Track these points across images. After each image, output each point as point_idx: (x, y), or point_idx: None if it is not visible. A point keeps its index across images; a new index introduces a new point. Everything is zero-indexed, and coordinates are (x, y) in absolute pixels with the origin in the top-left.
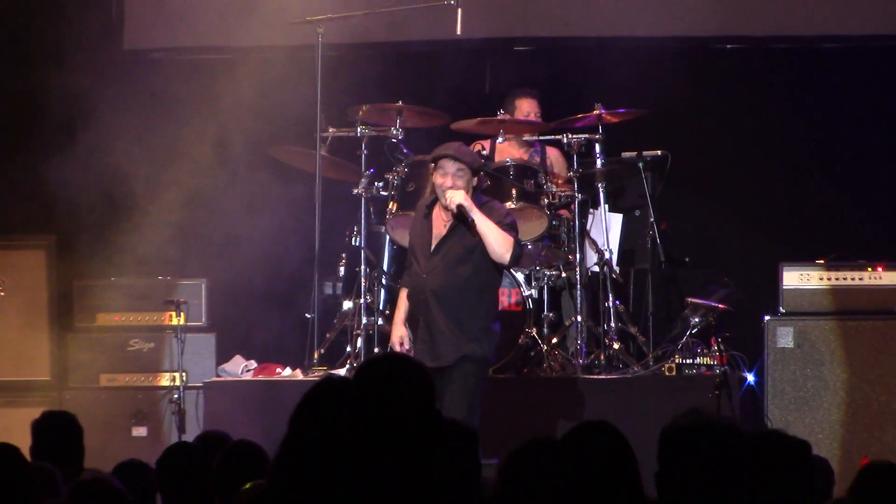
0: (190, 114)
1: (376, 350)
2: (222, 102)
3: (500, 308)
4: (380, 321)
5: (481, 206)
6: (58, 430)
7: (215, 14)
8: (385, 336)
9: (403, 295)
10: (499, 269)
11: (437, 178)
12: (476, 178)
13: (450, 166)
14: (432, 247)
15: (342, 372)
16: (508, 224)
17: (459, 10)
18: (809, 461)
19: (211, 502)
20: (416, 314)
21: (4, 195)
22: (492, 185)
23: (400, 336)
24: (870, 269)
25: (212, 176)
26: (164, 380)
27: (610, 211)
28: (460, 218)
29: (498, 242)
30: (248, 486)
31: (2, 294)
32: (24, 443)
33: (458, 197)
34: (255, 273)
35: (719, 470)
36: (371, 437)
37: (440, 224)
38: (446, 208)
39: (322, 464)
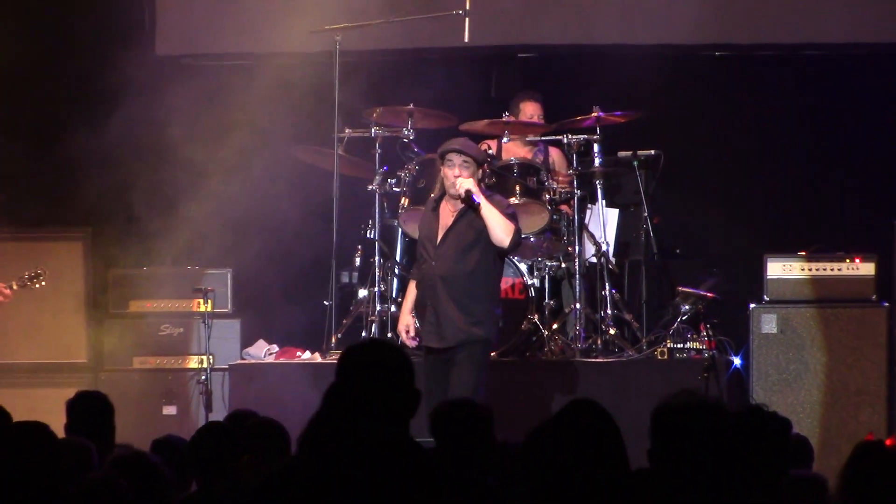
0: (216, 115)
1: (389, 335)
2: (247, 105)
3: (504, 296)
4: (392, 308)
5: (487, 197)
6: (90, 409)
7: (240, 23)
8: (396, 321)
9: (412, 286)
10: (501, 258)
11: (446, 171)
12: (481, 170)
13: (457, 159)
14: (439, 236)
15: None
16: (510, 214)
17: (467, 20)
18: (789, 437)
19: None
20: (423, 299)
21: (44, 191)
22: (498, 181)
23: (406, 325)
24: (848, 260)
25: (237, 174)
26: (193, 362)
27: (607, 206)
28: (467, 202)
29: (500, 227)
30: (244, 458)
31: (43, 283)
32: (62, 420)
33: (466, 183)
34: (276, 263)
35: (707, 446)
36: (358, 415)
37: (447, 216)
38: (455, 198)
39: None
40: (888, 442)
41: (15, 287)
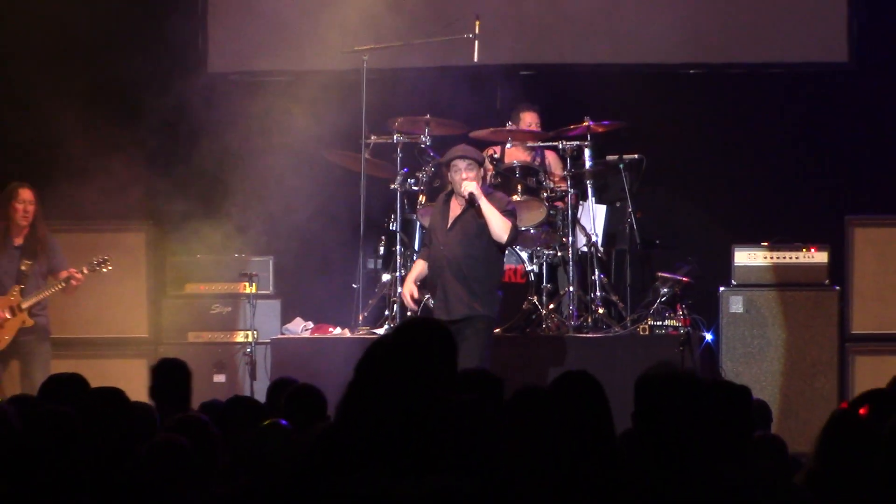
0: (259, 124)
1: (408, 313)
2: (286, 115)
3: (507, 280)
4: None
5: (488, 196)
6: (173, 372)
7: (281, 44)
8: (416, 302)
9: (418, 262)
10: (501, 248)
11: (453, 175)
12: (483, 169)
13: (461, 163)
14: (448, 225)
15: (381, 331)
16: (509, 210)
17: (476, 43)
18: (750, 402)
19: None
20: (433, 279)
21: (111, 189)
22: (502, 181)
23: (409, 290)
24: (804, 250)
25: (278, 174)
26: (239, 337)
27: (596, 203)
28: (471, 202)
29: (498, 225)
30: (266, 422)
31: (109, 267)
32: (127, 386)
33: (470, 186)
34: (312, 251)
35: (683, 410)
36: (408, 385)
37: (456, 209)
38: (461, 196)
39: (383, 404)
40: (862, 411)
41: (86, 271)
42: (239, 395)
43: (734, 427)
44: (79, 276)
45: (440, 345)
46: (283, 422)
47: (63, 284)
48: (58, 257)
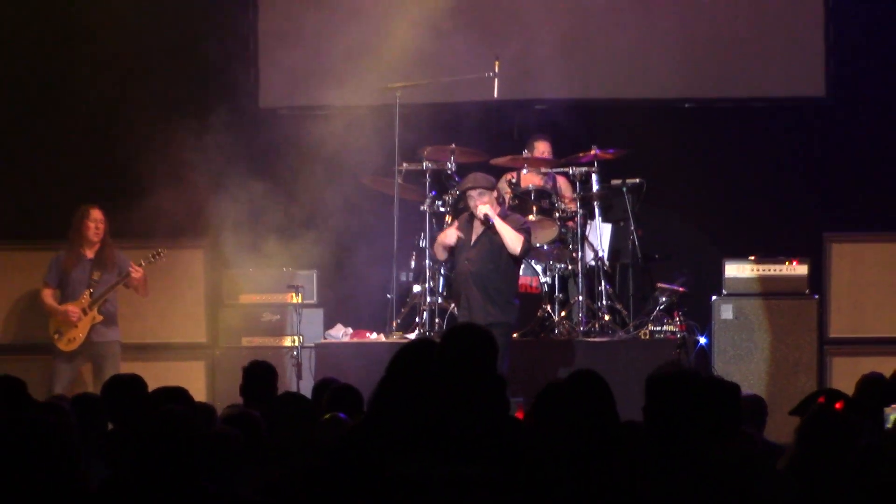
0: (305, 153)
1: (437, 321)
2: (329, 145)
3: (524, 291)
4: (439, 300)
5: (505, 217)
6: (261, 374)
7: (324, 82)
8: (442, 310)
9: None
10: (516, 261)
11: (470, 203)
12: (495, 191)
13: (474, 193)
14: (472, 242)
15: (413, 336)
16: (524, 229)
17: (496, 80)
18: (738, 398)
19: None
20: (458, 290)
21: (175, 212)
22: (519, 203)
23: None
24: (787, 263)
25: (322, 198)
26: (287, 342)
27: (602, 222)
28: (486, 223)
29: (511, 239)
30: (327, 416)
31: (163, 258)
32: (188, 386)
33: (483, 209)
34: (351, 265)
35: (688, 403)
36: (451, 382)
37: (478, 228)
38: (479, 218)
39: (409, 402)
40: (838, 406)
41: (143, 264)
42: (289, 391)
43: (725, 418)
44: (139, 271)
45: (485, 346)
46: (342, 415)
47: (125, 278)
48: (126, 266)
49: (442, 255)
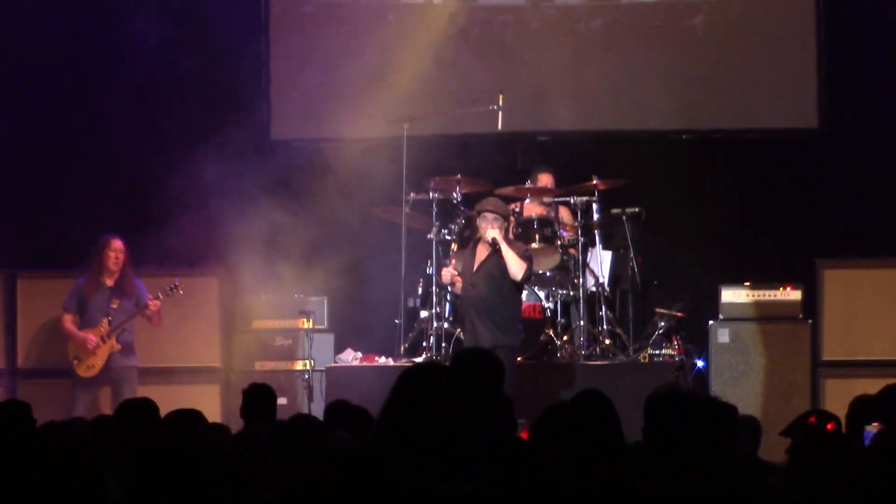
0: (316, 183)
1: (443, 345)
2: (339, 175)
3: (527, 315)
4: (445, 325)
5: (510, 243)
6: (261, 395)
7: (335, 115)
8: (449, 334)
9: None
10: (518, 287)
11: (481, 223)
12: (508, 223)
13: (490, 216)
14: (475, 268)
15: (420, 359)
16: (527, 256)
17: (500, 113)
18: (736, 418)
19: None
20: (463, 314)
21: (189, 241)
22: (522, 231)
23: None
24: (781, 289)
25: (332, 226)
26: (299, 365)
27: (603, 249)
28: (494, 246)
29: (515, 265)
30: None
31: (181, 292)
32: (203, 408)
33: (493, 233)
34: (361, 292)
35: (686, 423)
36: (459, 402)
37: (482, 254)
38: (487, 242)
39: (415, 421)
40: (829, 426)
41: (161, 296)
42: (300, 412)
43: (723, 437)
44: (156, 303)
45: (492, 369)
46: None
47: (142, 309)
48: (143, 295)
49: (448, 280)
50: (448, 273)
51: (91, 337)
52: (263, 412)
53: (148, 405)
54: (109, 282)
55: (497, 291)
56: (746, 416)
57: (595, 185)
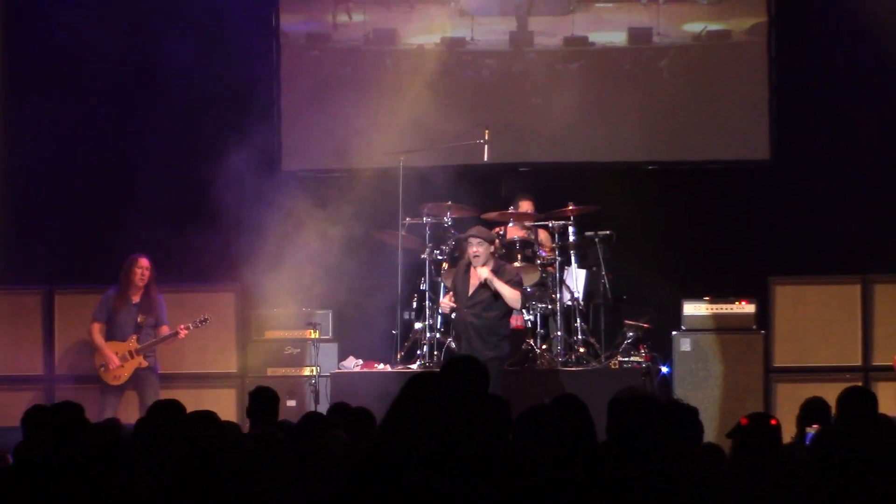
0: (322, 209)
1: (435, 353)
2: (343, 202)
3: (510, 327)
4: (437, 335)
5: (500, 268)
6: (265, 396)
7: (338, 148)
8: (440, 343)
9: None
10: (510, 309)
11: (469, 250)
12: (493, 246)
13: (474, 241)
14: (470, 292)
15: (415, 366)
16: (517, 281)
17: (486, 147)
18: (697, 418)
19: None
20: (458, 332)
21: (211, 260)
22: (506, 252)
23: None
24: (737, 303)
25: (337, 247)
26: (306, 371)
27: (578, 268)
28: (486, 283)
29: (513, 299)
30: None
31: (208, 324)
32: (220, 410)
33: (484, 273)
34: (362, 306)
35: (645, 424)
36: (451, 406)
37: (475, 280)
38: (480, 278)
39: (418, 424)
40: (743, 421)
41: (191, 327)
42: (311, 411)
43: (686, 437)
44: (184, 332)
45: (482, 376)
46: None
47: (171, 337)
48: (162, 313)
49: (447, 309)
50: (447, 305)
51: (114, 359)
52: (268, 412)
53: (176, 406)
54: (136, 298)
55: (489, 315)
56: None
57: (570, 210)
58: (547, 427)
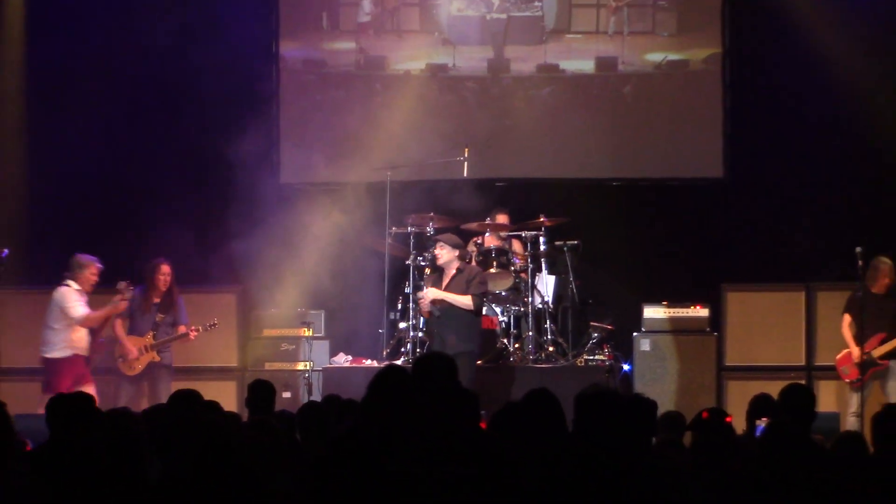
0: (317, 219)
1: (418, 350)
2: (334, 213)
3: (485, 327)
4: (419, 334)
5: (462, 269)
6: (262, 388)
7: (333, 162)
8: (422, 342)
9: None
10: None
11: (434, 249)
12: (459, 252)
13: (438, 243)
14: (442, 289)
15: (400, 362)
16: (479, 282)
17: (465, 163)
18: (656, 411)
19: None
20: (432, 328)
21: (216, 264)
22: (483, 259)
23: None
24: (692, 307)
25: (329, 254)
26: (300, 366)
27: (548, 274)
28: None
29: (466, 305)
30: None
31: (217, 327)
32: (222, 401)
33: (431, 294)
34: (352, 307)
35: (608, 416)
36: (421, 398)
37: (447, 280)
38: (449, 270)
39: (387, 412)
40: (704, 415)
41: (201, 330)
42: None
43: (644, 428)
44: (195, 333)
45: (449, 369)
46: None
47: (182, 337)
48: (182, 314)
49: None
50: (426, 306)
51: (133, 350)
52: (265, 403)
53: (194, 395)
54: (157, 298)
55: (458, 310)
56: (674, 411)
57: (542, 222)
58: (520, 417)
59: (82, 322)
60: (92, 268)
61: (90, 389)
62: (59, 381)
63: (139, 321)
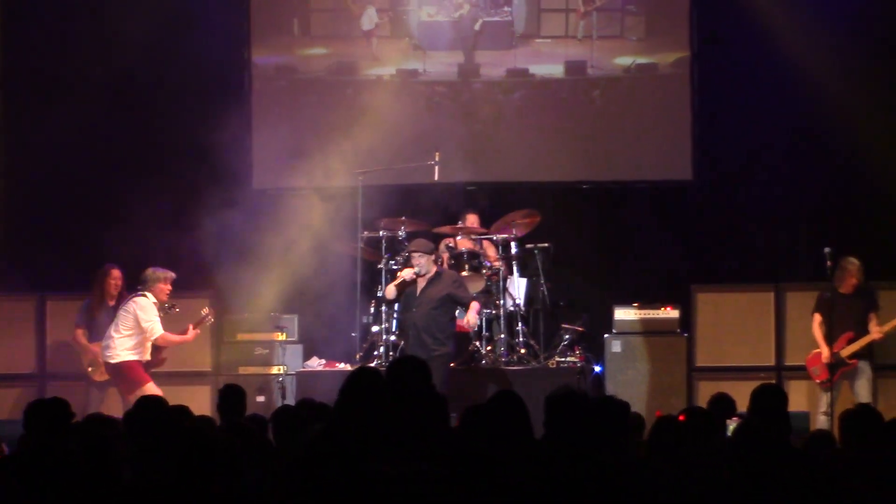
0: (289, 223)
1: (390, 353)
2: (307, 217)
3: (459, 330)
4: (392, 337)
5: (441, 273)
6: (233, 393)
7: (305, 167)
8: (395, 345)
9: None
10: (451, 310)
11: (413, 261)
12: (434, 256)
13: (415, 255)
14: (418, 294)
15: (372, 364)
16: (464, 285)
17: (437, 167)
18: (628, 413)
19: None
20: (408, 331)
21: (189, 269)
22: (455, 263)
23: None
24: (663, 308)
25: (301, 258)
26: (274, 370)
27: (519, 277)
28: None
29: (476, 310)
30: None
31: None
32: (195, 405)
33: (473, 322)
34: (324, 311)
35: (578, 417)
36: (396, 400)
37: (422, 284)
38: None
39: (360, 414)
40: (680, 417)
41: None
42: (283, 405)
43: (616, 428)
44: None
45: (423, 372)
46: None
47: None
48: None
49: (392, 294)
50: (409, 271)
51: (99, 351)
52: (236, 407)
53: (160, 401)
54: (111, 302)
55: (435, 314)
56: (635, 413)
57: (513, 223)
58: (486, 419)
59: (157, 341)
60: (167, 280)
61: (159, 391)
62: (140, 377)
63: (97, 327)
